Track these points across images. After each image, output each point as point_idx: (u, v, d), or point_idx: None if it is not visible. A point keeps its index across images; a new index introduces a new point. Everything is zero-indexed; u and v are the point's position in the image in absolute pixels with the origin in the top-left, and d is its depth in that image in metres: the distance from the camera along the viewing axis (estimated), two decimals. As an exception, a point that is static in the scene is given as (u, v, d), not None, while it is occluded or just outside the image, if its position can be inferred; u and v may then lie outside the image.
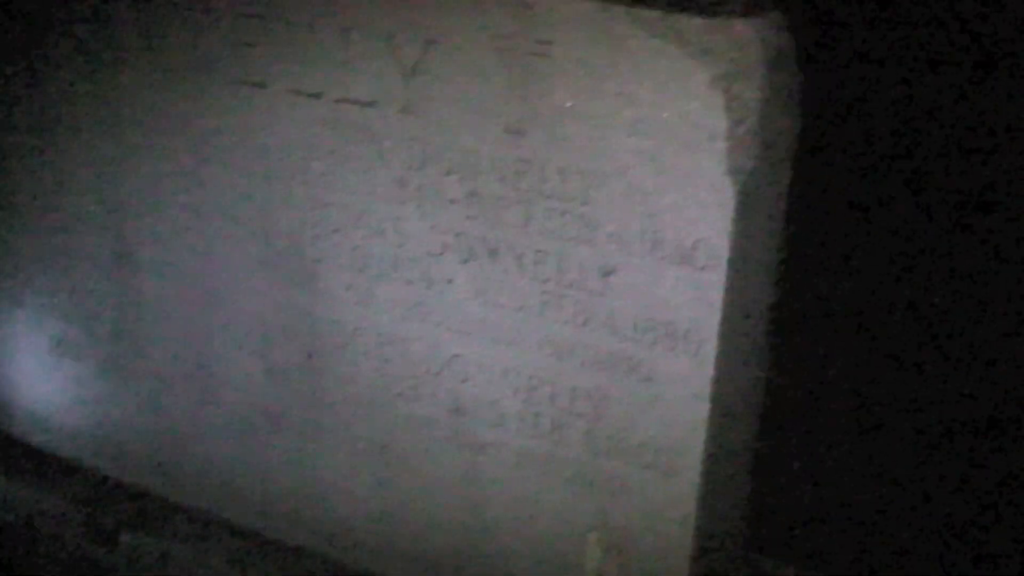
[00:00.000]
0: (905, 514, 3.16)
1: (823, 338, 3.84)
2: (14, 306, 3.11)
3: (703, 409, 2.28)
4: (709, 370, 2.26)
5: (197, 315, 2.81)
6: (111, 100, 2.76)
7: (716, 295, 2.21)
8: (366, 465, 2.70)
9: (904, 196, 4.23)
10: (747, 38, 2.12)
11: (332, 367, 2.66)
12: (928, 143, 4.18)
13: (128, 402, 3.02)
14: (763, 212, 2.31)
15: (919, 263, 4.11)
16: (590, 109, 2.20)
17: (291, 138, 2.55)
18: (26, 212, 2.98)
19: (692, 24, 2.11)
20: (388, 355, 2.58)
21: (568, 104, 2.23)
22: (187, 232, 2.75)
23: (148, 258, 2.83)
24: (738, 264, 2.22)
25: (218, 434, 2.90)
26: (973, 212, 4.15)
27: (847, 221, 4.16)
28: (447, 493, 2.61)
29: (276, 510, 2.89)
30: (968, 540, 3.07)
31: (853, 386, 3.69)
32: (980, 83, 4.08)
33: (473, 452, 2.54)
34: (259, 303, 2.71)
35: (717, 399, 2.29)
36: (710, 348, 2.25)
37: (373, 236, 2.51)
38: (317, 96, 2.50)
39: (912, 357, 3.83)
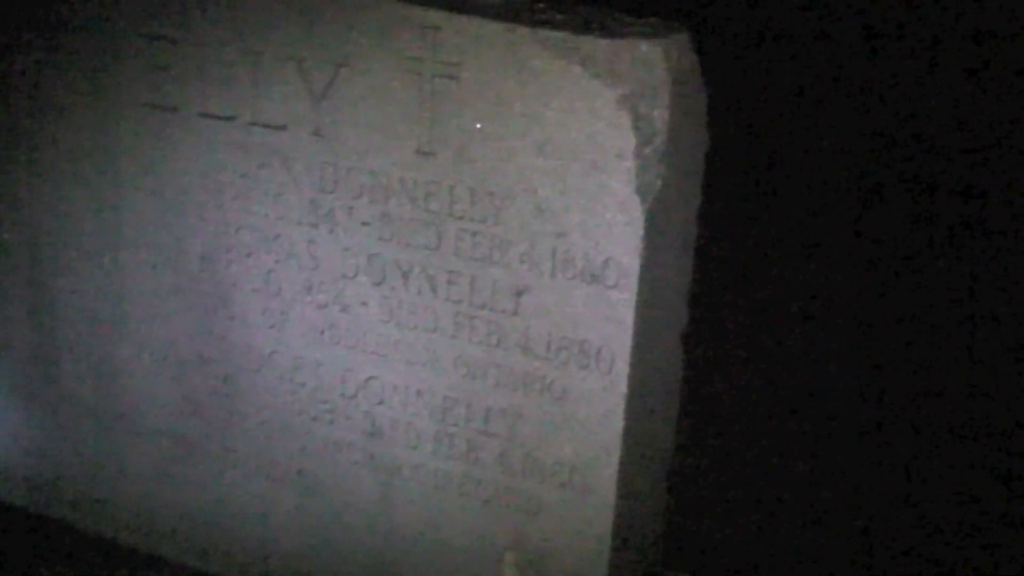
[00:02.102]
0: (823, 531, 3.19)
1: (737, 353, 3.88)
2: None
3: (617, 427, 2.30)
4: (622, 388, 2.27)
5: (111, 341, 2.78)
6: (22, 126, 2.73)
7: (627, 313, 2.23)
8: (282, 490, 2.68)
9: (819, 218, 4.29)
10: (653, 58, 2.14)
11: (247, 392, 2.64)
12: (838, 157, 4.25)
13: (41, 431, 2.97)
14: (674, 230, 2.33)
15: (832, 274, 4.17)
16: (498, 130, 2.21)
17: (204, 162, 2.54)
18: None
19: (598, 45, 2.13)
20: (303, 379, 2.57)
21: (477, 126, 2.24)
22: (99, 257, 2.72)
23: (61, 283, 2.80)
24: (649, 282, 2.24)
25: (133, 462, 2.86)
26: (887, 226, 4.22)
27: (757, 236, 4.21)
28: (363, 516, 2.60)
29: (192, 538, 2.85)
30: (885, 555, 3.10)
31: (769, 402, 3.73)
32: (889, 97, 4.16)
33: (388, 474, 2.54)
34: (173, 328, 2.68)
35: (631, 417, 2.30)
36: (622, 366, 2.26)
37: (286, 259, 2.51)
38: (229, 119, 2.49)
39: (826, 370, 3.87)
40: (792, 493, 3.33)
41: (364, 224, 2.40)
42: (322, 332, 2.52)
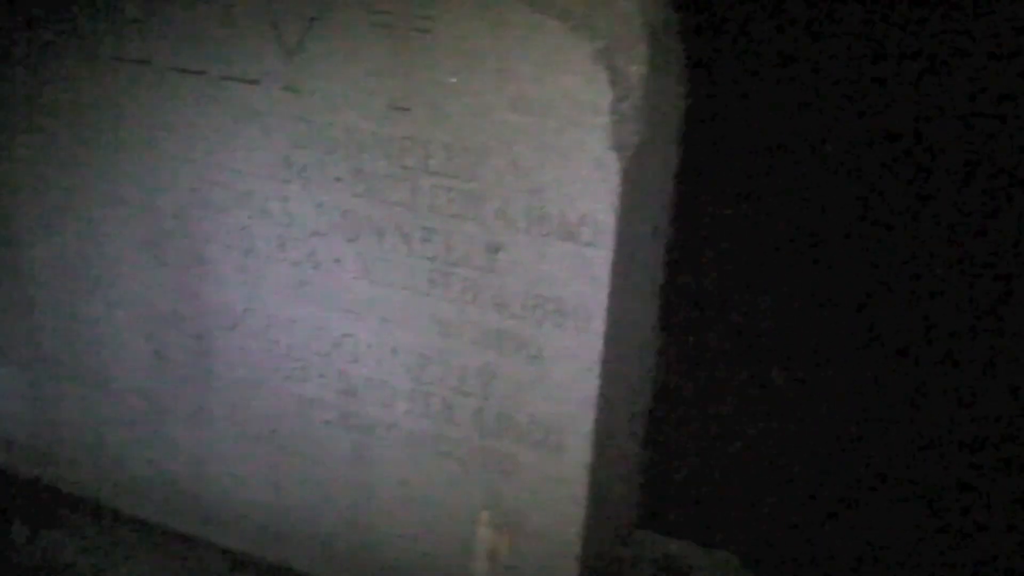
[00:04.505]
0: (794, 489, 3.19)
1: (714, 311, 3.86)
2: None
3: (592, 386, 2.28)
4: (598, 346, 2.25)
5: (84, 299, 2.75)
6: (-8, 80, 2.70)
7: (603, 271, 2.20)
8: (256, 448, 2.67)
9: (797, 176, 4.26)
10: (630, 12, 2.11)
11: (221, 350, 2.62)
12: (823, 122, 4.21)
13: (16, 389, 2.95)
14: (651, 187, 2.31)
15: (811, 240, 4.15)
16: (472, 85, 2.18)
17: (175, 117, 2.50)
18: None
19: (574, -1, 2.10)
20: (276, 336, 2.55)
21: (452, 80, 2.20)
22: (71, 214, 2.69)
23: (33, 241, 2.76)
24: (625, 239, 2.21)
25: (108, 420, 2.85)
26: (869, 198, 4.19)
27: (737, 197, 4.18)
28: (337, 474, 2.59)
29: (167, 497, 2.84)
30: (857, 508, 3.11)
31: (748, 359, 3.71)
32: (875, 62, 4.11)
33: (363, 433, 2.52)
34: (146, 285, 2.66)
35: (606, 375, 2.29)
36: (599, 324, 2.24)
37: (260, 216, 2.47)
38: (201, 74, 2.45)
39: (800, 334, 3.86)
40: (769, 451, 3.32)
41: (337, 180, 2.37)
42: (296, 289, 2.49)
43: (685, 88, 2.33)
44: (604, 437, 2.35)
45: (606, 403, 2.31)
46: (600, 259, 2.19)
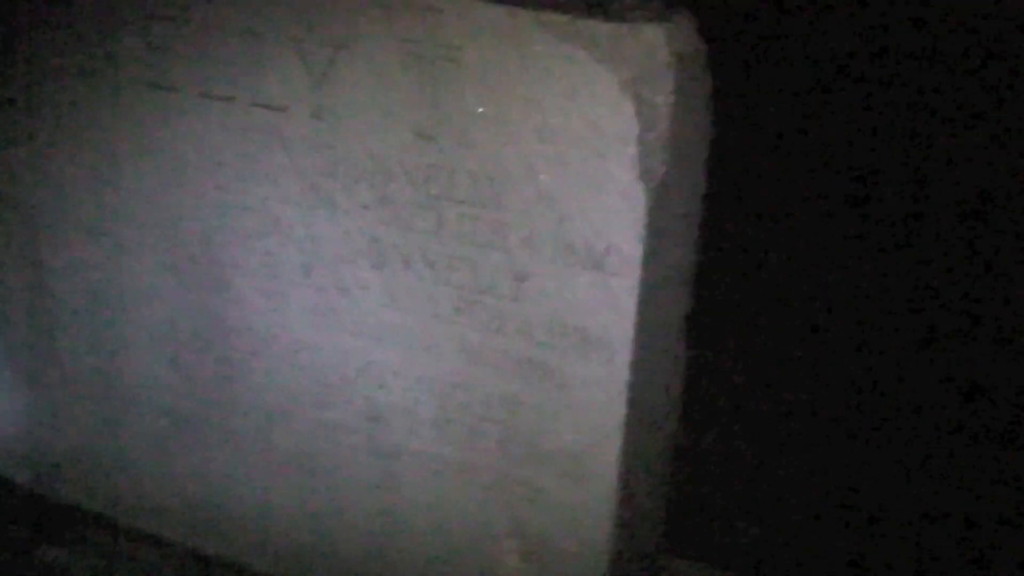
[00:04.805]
0: (823, 516, 3.18)
1: (741, 339, 3.86)
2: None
3: (618, 415, 2.28)
4: (624, 375, 2.25)
5: (109, 321, 2.76)
6: (23, 103, 2.70)
7: (629, 301, 2.20)
8: (281, 473, 2.67)
9: (821, 202, 4.26)
10: (656, 42, 2.11)
11: (246, 374, 2.63)
12: (847, 147, 4.21)
13: (40, 411, 2.97)
14: (677, 217, 2.30)
15: (840, 262, 4.15)
16: (499, 114, 2.18)
17: (203, 142, 2.51)
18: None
19: (600, 29, 2.10)
20: (302, 362, 2.55)
21: (479, 110, 2.21)
22: (97, 237, 2.70)
23: (59, 264, 2.78)
24: (652, 269, 2.21)
25: (132, 443, 2.86)
26: (894, 218, 4.19)
27: (762, 226, 4.18)
28: (363, 499, 2.59)
29: (191, 517, 2.85)
30: (884, 540, 3.10)
31: (771, 388, 3.71)
32: (894, 87, 4.11)
33: (389, 459, 2.53)
34: (171, 309, 2.67)
35: (633, 404, 2.28)
36: (624, 354, 2.24)
37: (286, 242, 2.48)
38: (229, 100, 2.46)
39: (826, 358, 3.86)
40: (796, 477, 3.32)
41: (364, 207, 2.37)
42: (322, 316, 2.49)
43: (712, 116, 2.33)
44: (630, 465, 2.35)
45: (632, 432, 2.31)
46: (626, 289, 2.19)
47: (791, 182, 4.23)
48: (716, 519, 3.14)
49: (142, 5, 2.50)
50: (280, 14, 2.35)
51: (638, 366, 2.26)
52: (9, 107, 2.72)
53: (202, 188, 2.54)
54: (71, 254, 2.76)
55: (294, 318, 2.53)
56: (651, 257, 2.19)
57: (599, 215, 2.17)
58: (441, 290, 2.36)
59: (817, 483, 3.28)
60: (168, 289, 2.66)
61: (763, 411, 3.58)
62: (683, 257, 2.38)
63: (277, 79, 2.38)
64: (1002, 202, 4.12)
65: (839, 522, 3.14)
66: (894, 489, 3.28)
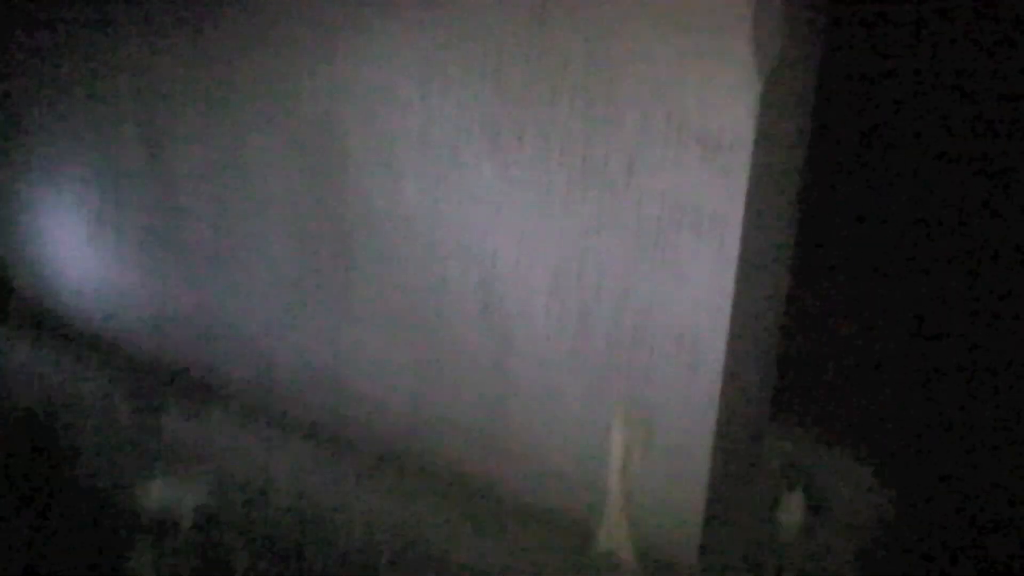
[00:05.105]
0: (927, 397, 3.17)
1: (848, 226, 3.81)
2: (49, 182, 3.16)
3: (727, 291, 2.28)
4: (733, 255, 2.25)
5: (231, 194, 2.83)
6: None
7: (740, 180, 2.19)
8: (398, 338, 2.74)
9: (933, 98, 4.13)
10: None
11: (362, 244, 2.68)
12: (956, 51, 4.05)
13: (166, 280, 3.07)
14: (791, 97, 2.28)
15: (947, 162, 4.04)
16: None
17: (315, 16, 2.53)
18: (63, 96, 3.01)
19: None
20: (417, 232, 2.59)
21: (594, -8, 2.19)
22: (218, 118, 2.76)
23: (181, 147, 2.86)
24: (763, 149, 2.19)
25: (254, 311, 2.95)
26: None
27: (874, 116, 4.08)
28: (477, 369, 2.65)
29: (312, 385, 2.95)
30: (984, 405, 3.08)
31: (879, 273, 3.67)
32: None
33: (501, 329, 2.57)
34: (291, 182, 2.72)
35: (741, 283, 2.29)
36: (735, 231, 2.23)
37: (401, 113, 2.50)
38: (344, -25, 2.47)
39: (938, 241, 3.80)
40: (892, 364, 3.30)
41: (478, 82, 2.38)
42: (436, 186, 2.52)
43: (826, 13, 2.28)
44: (738, 345, 2.37)
45: (740, 312, 2.32)
46: (738, 168, 2.18)
47: (901, 78, 4.11)
48: (824, 393, 3.15)
49: None
50: None
51: (747, 246, 2.26)
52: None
53: (316, 61, 2.56)
54: (193, 137, 2.82)
55: (410, 188, 2.56)
56: (764, 136, 2.17)
57: (712, 96, 2.14)
58: (554, 167, 2.37)
59: (922, 370, 3.27)
60: (287, 163, 2.71)
61: (871, 289, 3.56)
62: (794, 139, 2.35)
63: (393, -49, 2.38)
64: None
65: (954, 406, 3.13)
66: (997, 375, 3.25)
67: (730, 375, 2.36)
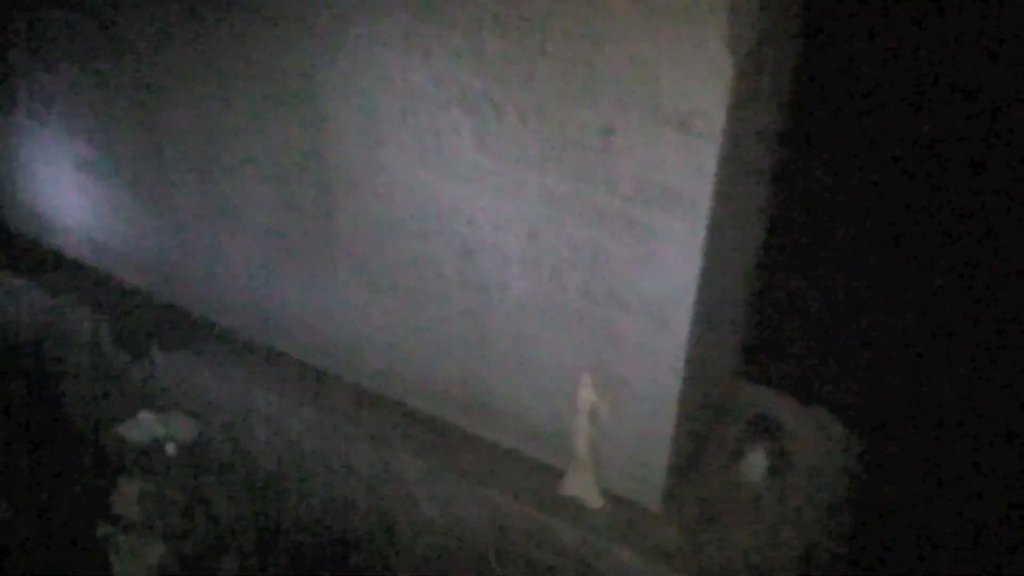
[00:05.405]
0: (899, 346, 3.25)
1: (819, 201, 3.85)
2: (39, 125, 3.20)
3: (694, 267, 2.37)
4: (701, 229, 2.33)
5: (215, 148, 2.89)
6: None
7: (711, 162, 2.26)
8: (378, 298, 2.84)
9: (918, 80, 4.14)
10: (751, -91, 2.10)
11: (343, 204, 2.76)
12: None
13: (153, 224, 3.14)
14: (764, 85, 2.33)
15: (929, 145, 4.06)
16: (593, -22, 2.21)
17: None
18: (56, 41, 3.04)
19: None
20: (397, 197, 2.67)
21: (572, -30, 2.23)
22: (202, 74, 2.80)
23: (166, 100, 2.90)
24: (735, 135, 2.26)
25: (238, 257, 3.03)
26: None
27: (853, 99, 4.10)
28: (454, 328, 2.76)
29: (294, 331, 3.05)
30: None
31: (849, 245, 3.71)
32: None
33: (477, 291, 2.66)
34: (273, 140, 2.78)
35: (709, 256, 2.37)
36: (703, 210, 2.31)
37: (381, 82, 2.55)
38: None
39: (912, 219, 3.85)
40: (858, 318, 3.37)
41: (457, 55, 2.43)
42: (415, 155, 2.59)
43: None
44: (704, 313, 2.46)
45: (707, 283, 2.41)
46: (709, 151, 2.25)
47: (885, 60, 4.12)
48: (789, 348, 3.24)
49: None
50: None
51: (716, 222, 2.34)
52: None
53: (301, 27, 2.60)
54: (177, 90, 2.87)
55: (389, 156, 2.63)
56: (735, 122, 2.24)
57: (687, 79, 2.20)
58: (530, 138, 2.43)
59: (897, 323, 3.34)
60: (269, 121, 2.76)
61: (841, 265, 3.61)
62: (766, 125, 2.42)
63: (374, -75, 2.42)
64: None
65: (921, 354, 3.21)
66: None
67: (696, 335, 2.46)
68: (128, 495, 2.99)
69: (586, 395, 2.58)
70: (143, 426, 3.10)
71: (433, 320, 2.77)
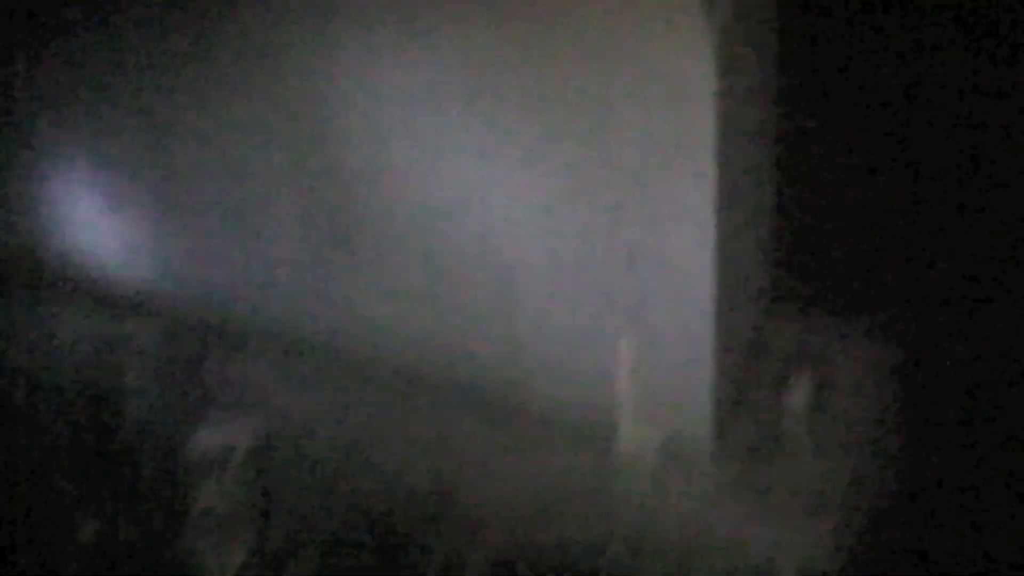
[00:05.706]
0: (922, 262, 3.24)
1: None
2: (70, 166, 3.30)
3: (709, 220, 2.44)
4: (711, 192, 2.40)
5: (234, 162, 2.98)
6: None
7: (708, 125, 2.31)
8: (404, 300, 2.90)
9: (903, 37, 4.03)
10: None
11: (365, 202, 2.83)
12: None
13: (180, 247, 3.24)
14: (752, 48, 2.36)
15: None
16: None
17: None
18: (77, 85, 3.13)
19: None
20: (413, 190, 2.73)
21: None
22: (214, 88, 2.89)
23: (181, 108, 2.98)
24: (730, 95, 2.31)
25: (265, 266, 3.10)
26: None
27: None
28: (484, 305, 2.81)
29: (329, 323, 3.09)
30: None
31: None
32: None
33: (504, 269, 2.73)
34: (288, 149, 2.87)
35: (723, 204, 2.43)
36: (710, 167, 2.36)
37: (384, 79, 2.62)
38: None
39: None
40: (890, 241, 3.35)
41: (452, 44, 2.48)
42: (426, 142, 2.65)
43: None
44: (728, 259, 2.52)
45: (725, 232, 2.47)
46: (704, 115, 2.29)
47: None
48: (821, 276, 3.22)
49: None
50: None
51: (726, 177, 2.39)
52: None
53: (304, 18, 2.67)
54: (188, 104, 2.95)
55: (399, 148, 2.70)
56: (727, 85, 2.27)
57: (674, 49, 2.25)
58: (534, 116, 2.49)
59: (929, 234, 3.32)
60: (277, 130, 2.85)
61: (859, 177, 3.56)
62: (761, 84, 2.44)
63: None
64: None
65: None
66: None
67: (722, 284, 2.53)
68: (204, 501, 3.04)
69: (624, 352, 2.63)
70: (210, 433, 3.14)
71: (460, 297, 2.83)
